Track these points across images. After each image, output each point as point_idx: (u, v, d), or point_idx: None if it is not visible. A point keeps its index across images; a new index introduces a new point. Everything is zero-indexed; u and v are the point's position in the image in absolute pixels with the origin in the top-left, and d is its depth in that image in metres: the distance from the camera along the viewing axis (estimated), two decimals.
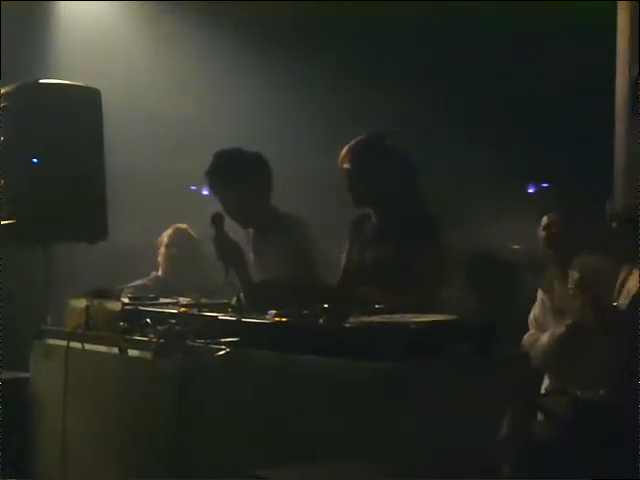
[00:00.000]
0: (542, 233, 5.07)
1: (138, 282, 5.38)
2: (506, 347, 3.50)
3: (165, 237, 5.75)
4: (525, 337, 4.98)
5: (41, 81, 4.77)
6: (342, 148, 4.44)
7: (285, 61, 7.52)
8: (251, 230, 4.80)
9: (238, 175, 4.64)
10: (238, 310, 3.77)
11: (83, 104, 4.81)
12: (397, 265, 4.19)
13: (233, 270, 4.36)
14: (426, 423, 2.98)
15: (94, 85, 4.89)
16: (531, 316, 5.07)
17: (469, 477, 2.96)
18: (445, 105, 7.77)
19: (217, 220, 4.43)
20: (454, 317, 3.24)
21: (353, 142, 4.42)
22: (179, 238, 5.69)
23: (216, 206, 4.59)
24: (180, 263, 5.63)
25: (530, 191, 9.15)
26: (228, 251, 4.40)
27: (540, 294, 5.05)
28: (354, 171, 4.36)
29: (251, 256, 4.76)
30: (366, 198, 4.40)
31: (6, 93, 4.81)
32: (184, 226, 5.78)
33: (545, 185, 9.11)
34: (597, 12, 5.75)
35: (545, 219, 5.07)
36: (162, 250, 5.78)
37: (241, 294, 4.05)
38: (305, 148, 7.50)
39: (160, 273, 5.72)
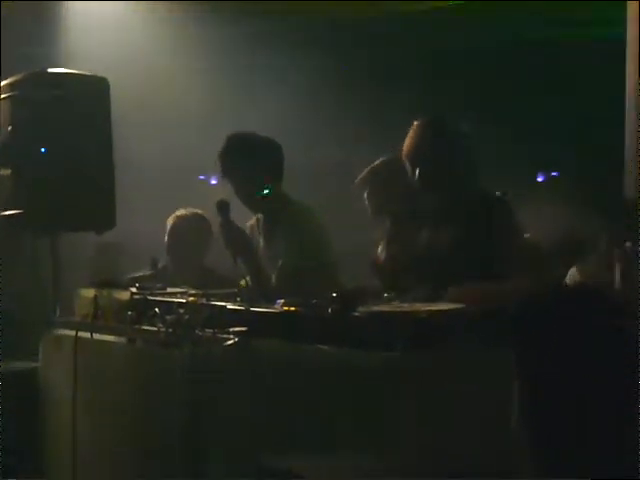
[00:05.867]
0: None
1: (146, 272, 5.35)
2: None
3: (171, 221, 5.67)
4: None
5: (49, 70, 4.77)
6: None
7: (297, 51, 7.53)
8: (261, 216, 4.79)
9: (251, 158, 4.63)
10: (246, 293, 3.75)
11: (91, 93, 4.80)
12: (473, 250, 3.98)
13: (241, 258, 4.35)
14: (436, 413, 2.97)
15: (102, 75, 4.89)
16: None
17: (482, 467, 2.94)
18: (455, 92, 7.76)
19: (223, 207, 4.43)
20: (464, 305, 3.22)
21: (418, 124, 4.23)
22: (186, 222, 5.63)
23: (224, 194, 4.59)
24: (187, 248, 5.57)
25: (539, 180, 9.14)
26: (235, 239, 4.40)
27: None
28: (421, 153, 4.16)
29: (260, 242, 4.75)
30: (434, 180, 4.17)
31: (14, 82, 4.80)
32: (192, 210, 5.72)
33: (555, 174, 9.09)
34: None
35: None
36: (169, 234, 5.69)
37: (248, 278, 4.05)
38: (315, 141, 7.52)
39: (167, 259, 5.66)
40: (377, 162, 5.05)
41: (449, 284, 3.69)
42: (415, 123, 4.25)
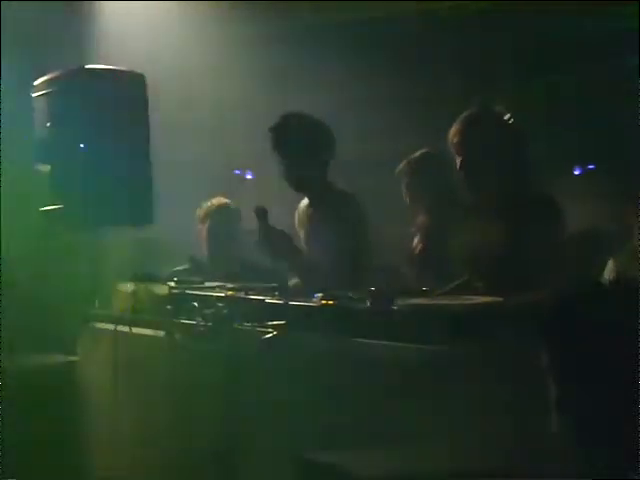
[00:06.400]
0: None
1: (184, 266, 5.38)
2: None
3: (204, 211, 5.67)
4: None
5: (87, 66, 4.79)
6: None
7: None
8: (305, 202, 4.78)
9: (302, 136, 4.62)
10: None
11: (129, 89, 4.82)
12: (514, 247, 3.82)
13: (283, 261, 4.36)
14: (475, 407, 2.96)
15: (139, 70, 4.91)
16: None
17: (520, 460, 2.93)
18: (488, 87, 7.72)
19: (261, 214, 4.42)
20: (502, 299, 3.21)
21: (465, 115, 4.09)
22: (220, 212, 5.63)
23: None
24: (219, 239, 5.57)
25: (576, 173, 9.07)
26: (278, 244, 4.39)
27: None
28: (466, 143, 4.02)
29: (301, 232, 4.75)
30: (477, 172, 4.02)
31: (52, 79, 4.83)
32: (224, 200, 5.72)
33: (591, 167, 9.02)
34: None
35: None
36: (201, 225, 5.68)
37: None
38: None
39: (202, 252, 5.66)
40: (416, 154, 5.04)
41: (486, 278, 3.68)
42: (464, 114, 4.11)
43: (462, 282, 3.79)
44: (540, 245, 3.85)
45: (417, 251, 4.84)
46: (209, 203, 5.65)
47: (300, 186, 4.71)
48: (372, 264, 4.50)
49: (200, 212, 5.63)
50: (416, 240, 4.89)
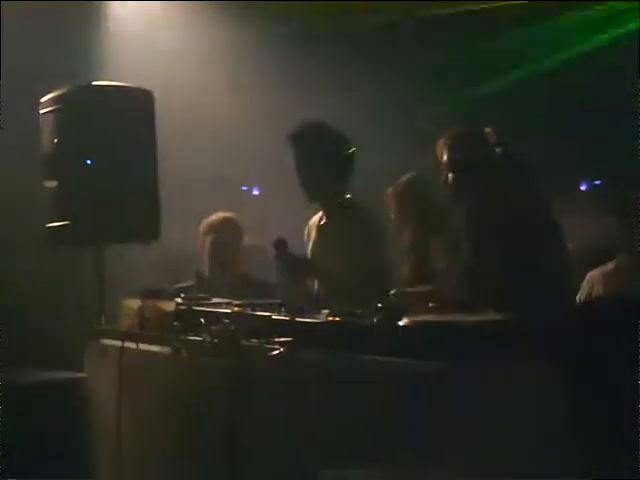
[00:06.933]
0: None
1: (191, 282, 5.38)
2: None
3: (210, 226, 5.67)
4: None
5: (94, 83, 4.81)
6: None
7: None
8: (322, 216, 4.79)
9: (328, 143, 4.62)
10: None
11: (136, 105, 4.84)
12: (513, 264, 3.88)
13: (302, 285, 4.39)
14: (482, 424, 2.95)
15: (145, 86, 4.93)
16: None
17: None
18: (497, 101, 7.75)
19: (280, 246, 4.42)
20: (510, 316, 3.20)
21: (452, 133, 4.20)
22: (224, 226, 5.64)
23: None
24: (222, 252, 5.58)
25: (582, 188, 9.08)
26: (297, 270, 4.42)
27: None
28: (454, 162, 4.11)
29: (309, 245, 4.75)
30: (467, 190, 4.11)
31: (60, 95, 4.85)
32: (229, 214, 5.73)
33: (598, 182, 9.03)
34: None
35: None
36: (205, 239, 5.67)
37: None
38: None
39: (205, 267, 5.66)
40: (402, 178, 5.06)
41: (490, 295, 3.68)
42: (450, 132, 4.22)
43: (427, 291, 3.80)
44: (539, 260, 3.86)
45: (408, 269, 4.86)
46: (214, 216, 5.66)
47: (319, 198, 4.71)
48: (391, 279, 4.51)
49: (204, 225, 5.63)
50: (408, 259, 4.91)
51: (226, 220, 5.62)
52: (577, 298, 4.82)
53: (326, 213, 4.74)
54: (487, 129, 4.19)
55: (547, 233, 3.97)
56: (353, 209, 4.64)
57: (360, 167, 4.71)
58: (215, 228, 5.59)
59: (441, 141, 4.20)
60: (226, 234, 5.56)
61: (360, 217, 4.58)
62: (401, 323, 3.19)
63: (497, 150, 4.12)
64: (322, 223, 4.75)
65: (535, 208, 4.04)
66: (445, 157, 4.18)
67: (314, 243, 4.77)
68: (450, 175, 4.16)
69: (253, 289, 4.89)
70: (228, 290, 4.69)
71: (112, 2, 7.19)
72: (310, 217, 4.91)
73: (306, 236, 4.85)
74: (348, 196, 4.71)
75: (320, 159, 4.58)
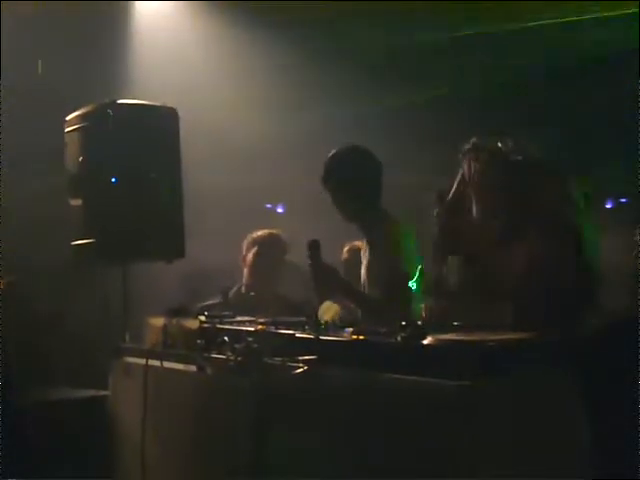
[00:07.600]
0: None
1: (215, 300, 5.38)
2: None
3: (255, 239, 5.69)
4: None
5: (119, 101, 4.83)
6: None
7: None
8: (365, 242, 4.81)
9: (360, 167, 4.67)
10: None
11: (160, 123, 4.86)
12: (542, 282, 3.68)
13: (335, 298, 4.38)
14: (505, 441, 2.94)
15: (168, 102, 4.95)
16: None
17: None
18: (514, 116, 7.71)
19: (314, 247, 4.43)
20: (532, 335, 3.18)
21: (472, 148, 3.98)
22: (269, 240, 5.66)
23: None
24: (267, 267, 5.59)
25: (608, 206, 9.05)
26: (326, 280, 4.42)
27: None
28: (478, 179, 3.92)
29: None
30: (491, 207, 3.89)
31: (85, 114, 4.88)
32: (275, 230, 5.76)
33: (623, 200, 8.99)
34: None
35: None
36: (248, 252, 5.69)
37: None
38: None
39: (245, 280, 5.65)
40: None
41: (515, 315, 3.64)
42: (467, 147, 4.12)
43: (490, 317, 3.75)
44: (565, 275, 3.80)
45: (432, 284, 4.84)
46: (259, 231, 5.69)
47: (353, 217, 4.73)
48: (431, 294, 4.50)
49: (249, 238, 5.66)
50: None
51: (271, 235, 5.66)
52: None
53: (364, 230, 4.77)
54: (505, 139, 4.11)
55: (572, 248, 3.90)
56: (393, 224, 4.67)
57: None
58: (260, 242, 5.62)
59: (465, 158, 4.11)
60: (270, 247, 5.58)
61: (399, 231, 4.62)
62: (425, 342, 3.18)
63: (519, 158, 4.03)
64: (364, 243, 4.79)
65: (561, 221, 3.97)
66: (471, 173, 4.06)
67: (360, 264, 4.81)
68: (478, 192, 4.05)
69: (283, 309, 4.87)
70: (262, 308, 4.67)
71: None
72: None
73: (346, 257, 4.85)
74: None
75: (356, 192, 4.64)
